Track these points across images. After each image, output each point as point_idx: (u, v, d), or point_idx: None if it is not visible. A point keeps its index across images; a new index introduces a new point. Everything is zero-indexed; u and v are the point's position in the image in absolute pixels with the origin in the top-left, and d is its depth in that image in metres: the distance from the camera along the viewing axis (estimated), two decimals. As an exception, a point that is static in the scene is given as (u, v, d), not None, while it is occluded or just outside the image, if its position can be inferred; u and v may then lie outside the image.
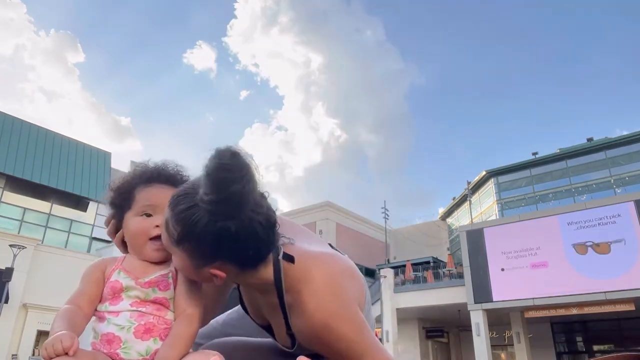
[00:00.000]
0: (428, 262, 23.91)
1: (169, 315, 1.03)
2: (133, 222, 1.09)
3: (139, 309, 1.01)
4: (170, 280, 1.06)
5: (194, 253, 0.92)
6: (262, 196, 0.95)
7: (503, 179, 27.01)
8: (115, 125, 72.83)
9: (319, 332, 0.96)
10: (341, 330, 0.95)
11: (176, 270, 1.08)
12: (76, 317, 0.98)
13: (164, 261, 1.10)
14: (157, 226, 1.07)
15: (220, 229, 0.86)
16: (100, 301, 1.05)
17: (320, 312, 0.95)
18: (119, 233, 1.14)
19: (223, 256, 0.92)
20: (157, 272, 1.07)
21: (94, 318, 1.04)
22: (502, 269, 16.68)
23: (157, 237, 1.06)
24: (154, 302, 1.03)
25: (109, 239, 1.19)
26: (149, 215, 1.09)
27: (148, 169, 1.15)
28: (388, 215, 28.06)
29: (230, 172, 0.84)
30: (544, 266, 15.98)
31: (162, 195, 1.09)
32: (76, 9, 66.67)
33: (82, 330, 0.99)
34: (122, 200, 1.12)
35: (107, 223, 1.18)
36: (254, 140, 75.44)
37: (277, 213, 1.01)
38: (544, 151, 26.78)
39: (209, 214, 0.86)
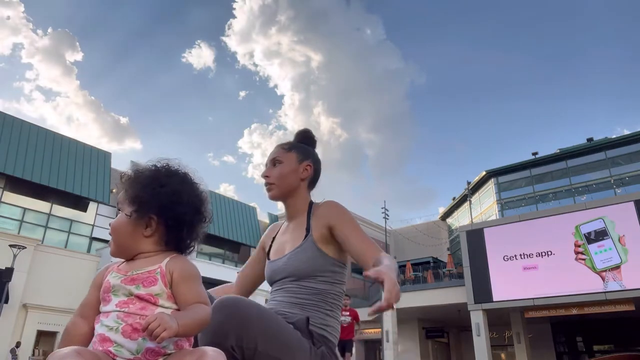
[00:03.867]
0: (428, 262, 23.92)
1: (158, 312, 1.03)
2: None
3: (123, 309, 1.01)
4: (158, 276, 1.05)
5: (300, 154, 1.72)
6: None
7: (503, 179, 27.01)
8: (115, 125, 72.82)
9: (327, 211, 1.59)
10: (346, 215, 1.57)
11: (171, 273, 1.07)
12: (74, 336, 1.05)
13: (122, 256, 1.13)
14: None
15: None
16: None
17: (331, 202, 1.63)
18: None
19: (312, 161, 1.73)
20: (143, 269, 1.07)
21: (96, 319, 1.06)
22: (502, 269, 16.68)
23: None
24: (139, 298, 1.03)
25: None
26: None
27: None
28: (388, 215, 28.02)
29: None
30: (543, 266, 15.98)
31: (118, 197, 1.16)
32: (74, 8, 66.64)
33: (85, 340, 1.05)
34: None
35: None
36: (253, 140, 75.36)
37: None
38: (544, 151, 26.83)
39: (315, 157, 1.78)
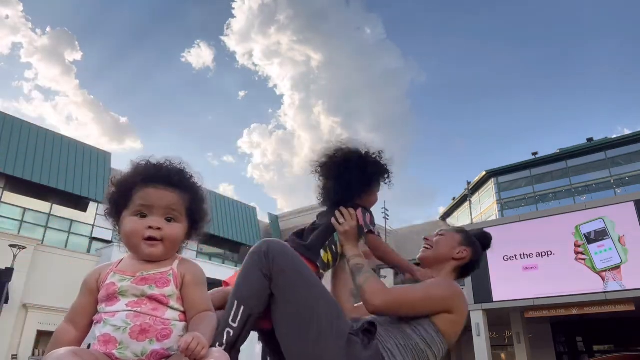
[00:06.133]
0: (428, 262, 23.86)
1: (168, 314, 1.03)
2: (128, 222, 1.09)
3: (135, 309, 1.01)
4: (170, 278, 1.07)
5: (465, 240, 1.90)
6: None
7: (503, 179, 27.01)
8: (115, 124, 72.78)
9: None
10: None
11: (182, 276, 1.08)
12: (62, 342, 1.04)
13: (163, 259, 1.10)
14: (151, 227, 1.08)
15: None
16: (97, 305, 1.07)
17: None
18: None
19: (472, 251, 1.90)
20: (155, 270, 1.08)
21: (94, 322, 1.05)
22: (502, 269, 16.68)
23: (150, 238, 1.08)
24: (151, 299, 1.03)
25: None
26: (143, 216, 1.09)
27: (147, 168, 1.13)
28: (388, 215, 28.04)
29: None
30: (543, 266, 15.98)
31: (158, 197, 1.10)
32: (74, 7, 66.64)
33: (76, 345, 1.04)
34: (120, 198, 1.12)
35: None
36: (253, 140, 75.33)
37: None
38: (544, 151, 26.83)
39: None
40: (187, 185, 1.15)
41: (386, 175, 1.86)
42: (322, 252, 1.68)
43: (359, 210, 1.74)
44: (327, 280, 1.75)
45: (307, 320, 1.34)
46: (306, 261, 1.56)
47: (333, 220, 1.71)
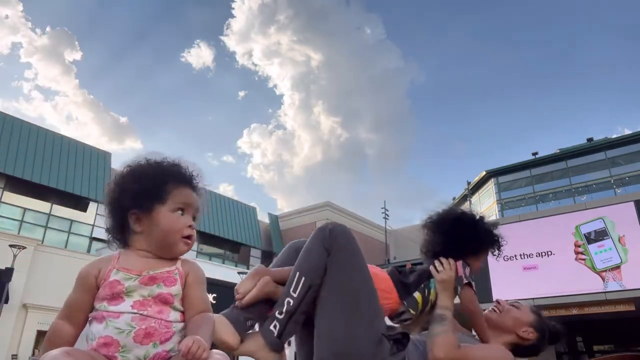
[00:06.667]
0: (428, 262, 23.90)
1: (171, 316, 1.02)
2: (168, 217, 1.09)
3: (141, 311, 0.99)
4: (177, 277, 1.07)
5: (537, 323, 1.92)
6: None
7: (503, 179, 27.01)
8: (114, 124, 72.68)
9: None
10: None
11: (186, 275, 1.09)
12: (59, 340, 0.99)
13: (172, 258, 1.12)
14: (190, 226, 1.13)
15: None
16: (94, 300, 1.03)
17: None
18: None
19: (539, 336, 1.91)
20: (162, 268, 1.07)
21: (89, 319, 1.02)
22: (502, 269, 16.68)
23: (189, 236, 1.13)
24: (158, 298, 1.02)
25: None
26: (181, 214, 1.14)
27: (180, 168, 1.17)
28: (388, 215, 28.06)
29: None
30: (543, 266, 15.98)
31: (194, 199, 1.16)
32: (73, 7, 66.55)
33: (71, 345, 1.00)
34: (154, 189, 1.09)
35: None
36: (253, 140, 75.19)
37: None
38: (544, 151, 26.82)
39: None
40: (201, 191, 1.21)
41: (497, 247, 1.88)
42: (416, 292, 1.74)
43: (460, 262, 1.76)
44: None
45: (349, 301, 1.42)
46: (395, 294, 1.68)
47: (431, 267, 1.75)
